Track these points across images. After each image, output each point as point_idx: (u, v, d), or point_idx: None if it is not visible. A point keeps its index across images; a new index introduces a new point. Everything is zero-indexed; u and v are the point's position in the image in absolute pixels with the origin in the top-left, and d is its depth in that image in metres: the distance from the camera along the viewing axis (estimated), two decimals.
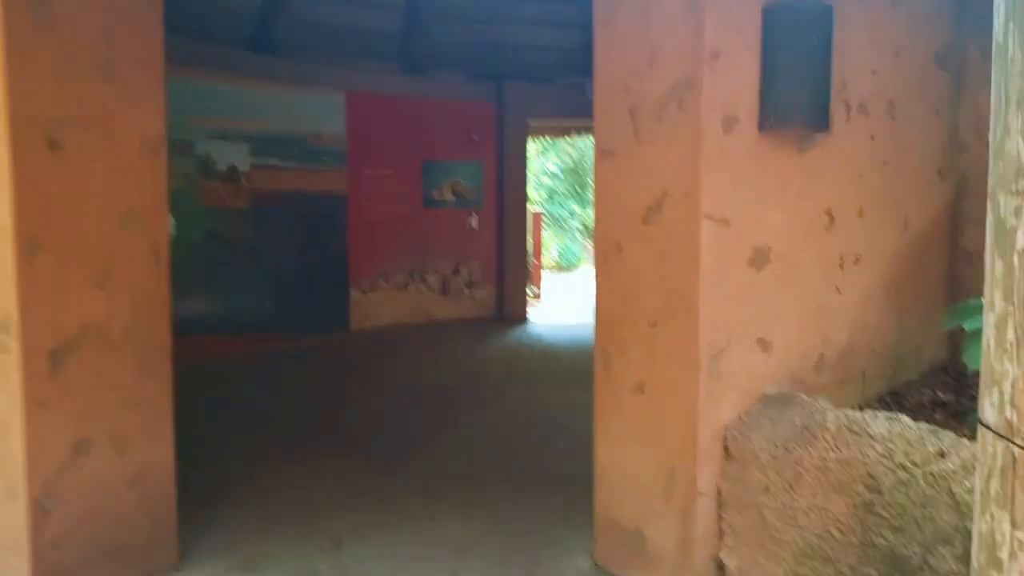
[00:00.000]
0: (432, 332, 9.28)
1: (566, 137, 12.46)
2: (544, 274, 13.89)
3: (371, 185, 9.13)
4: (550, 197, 19.84)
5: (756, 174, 2.93)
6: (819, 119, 2.95)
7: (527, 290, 10.73)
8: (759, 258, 2.96)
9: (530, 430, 5.51)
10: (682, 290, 2.89)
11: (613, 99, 3.13)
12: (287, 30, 8.24)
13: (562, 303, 12.59)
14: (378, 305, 9.30)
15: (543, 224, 15.13)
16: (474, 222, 10.02)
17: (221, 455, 4.84)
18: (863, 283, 3.36)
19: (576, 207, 20.07)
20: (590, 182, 21.11)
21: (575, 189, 20.88)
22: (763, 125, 2.91)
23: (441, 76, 9.56)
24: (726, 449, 2.95)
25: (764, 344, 3.01)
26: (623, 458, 3.19)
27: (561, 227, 18.98)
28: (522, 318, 10.20)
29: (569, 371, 7.36)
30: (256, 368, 7.41)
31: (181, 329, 7.20)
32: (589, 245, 19.19)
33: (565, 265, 17.49)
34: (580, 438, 5.20)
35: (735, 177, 2.87)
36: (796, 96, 2.90)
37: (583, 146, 20.23)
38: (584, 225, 19.53)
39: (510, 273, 10.20)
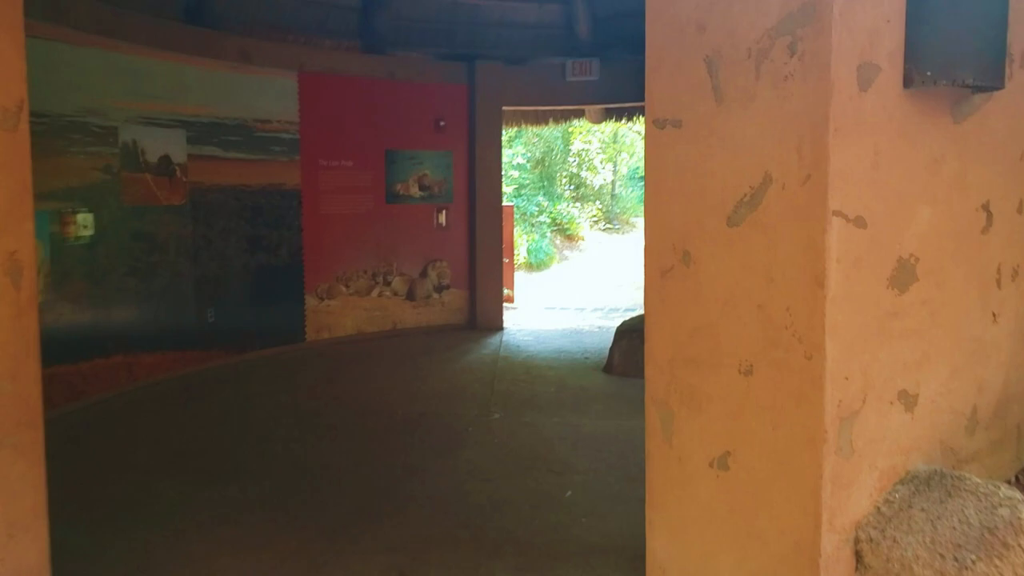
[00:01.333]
0: (398, 343, 8.32)
1: (543, 125, 11.44)
2: (516, 274, 12.91)
3: (328, 178, 8.15)
4: (517, 191, 18.83)
5: (902, 152, 2.00)
6: (993, 72, 2.03)
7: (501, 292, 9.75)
8: (904, 274, 2.03)
9: (524, 474, 4.52)
10: (796, 322, 1.95)
11: (679, 45, 2.18)
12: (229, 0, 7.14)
13: (539, 306, 11.66)
14: (337, 313, 8.31)
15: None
16: (443, 219, 9.05)
17: (138, 519, 3.79)
18: (1019, 304, 2.46)
19: (545, 201, 19.10)
20: (559, 175, 20.29)
21: (543, 182, 19.92)
22: (911, 79, 1.98)
23: (406, 55, 8.61)
24: (858, 557, 2.02)
25: (908, 399, 2.08)
26: (695, 562, 2.24)
27: (530, 223, 17.99)
28: (497, 325, 9.23)
29: (560, 390, 6.41)
30: (194, 393, 6.35)
31: (104, 350, 6.23)
32: (560, 242, 18.26)
33: (535, 263, 16.53)
34: (592, 486, 4.26)
35: (876, 156, 1.93)
36: (960, 37, 1.97)
37: (551, 136, 19.33)
38: (554, 220, 18.58)
39: (483, 275, 9.24)
